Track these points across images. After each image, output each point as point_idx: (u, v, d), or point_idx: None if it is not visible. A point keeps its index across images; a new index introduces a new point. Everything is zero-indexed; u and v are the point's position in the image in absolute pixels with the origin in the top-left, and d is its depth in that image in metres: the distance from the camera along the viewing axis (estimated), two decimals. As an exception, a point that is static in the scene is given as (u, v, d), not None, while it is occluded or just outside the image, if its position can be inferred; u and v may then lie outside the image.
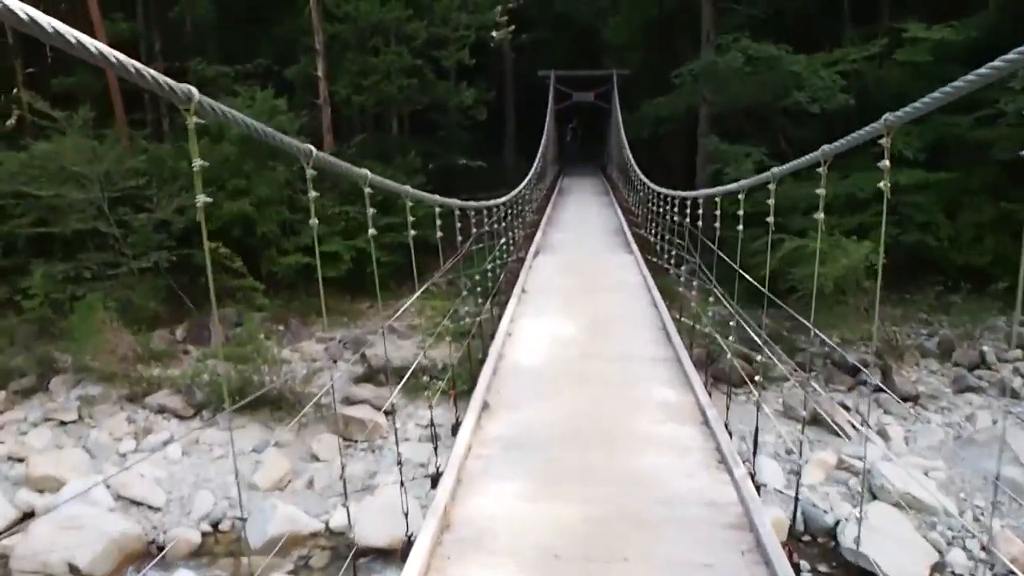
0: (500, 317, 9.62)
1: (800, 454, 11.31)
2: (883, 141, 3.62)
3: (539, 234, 17.43)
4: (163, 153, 20.63)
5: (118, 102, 22.26)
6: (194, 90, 2.64)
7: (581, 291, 11.34)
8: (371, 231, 4.86)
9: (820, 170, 4.56)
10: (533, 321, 9.61)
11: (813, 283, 7.20)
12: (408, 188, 6.05)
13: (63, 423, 14.35)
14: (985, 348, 15.06)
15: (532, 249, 15.17)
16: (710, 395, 7.11)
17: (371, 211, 4.76)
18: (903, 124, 3.51)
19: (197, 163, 2.68)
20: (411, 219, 6.07)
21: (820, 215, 4.71)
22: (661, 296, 10.80)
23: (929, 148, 18.09)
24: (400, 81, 23.05)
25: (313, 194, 3.78)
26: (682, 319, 9.59)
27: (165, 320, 18.81)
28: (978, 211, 18.10)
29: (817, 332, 5.40)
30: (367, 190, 4.68)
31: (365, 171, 4.67)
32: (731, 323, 8.71)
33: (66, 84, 23.69)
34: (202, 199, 2.67)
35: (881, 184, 3.74)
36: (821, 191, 4.57)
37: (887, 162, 3.70)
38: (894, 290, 16.94)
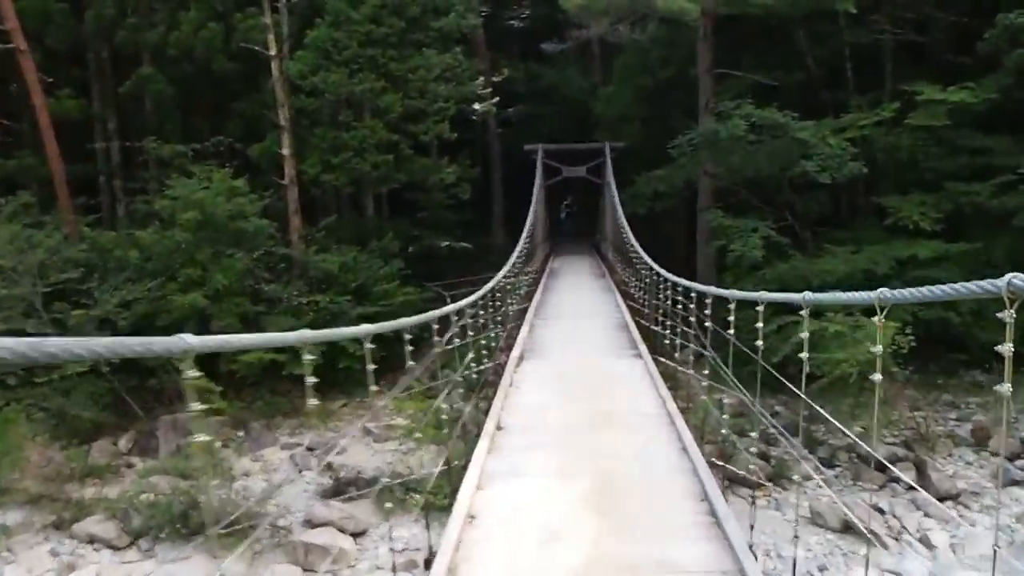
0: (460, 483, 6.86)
1: None
2: (876, 319, 3.51)
3: (524, 329, 15.05)
4: (107, 241, 19.90)
5: (61, 184, 21.54)
6: (185, 337, 2.77)
7: (579, 427, 8.37)
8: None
9: (802, 313, 4.78)
10: (507, 488, 6.72)
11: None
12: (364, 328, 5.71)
13: (-25, 557, 13.18)
14: (1026, 435, 14.25)
15: (515, 353, 12.60)
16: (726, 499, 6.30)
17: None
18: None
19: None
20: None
21: (804, 355, 4.84)
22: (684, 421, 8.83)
23: (947, 218, 17.58)
24: (374, 158, 22.44)
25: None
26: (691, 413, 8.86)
27: (108, 428, 17.72)
28: (1002, 284, 17.42)
29: (847, 432, 4.67)
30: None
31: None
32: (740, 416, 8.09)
33: (7, 168, 23.12)
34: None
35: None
36: (804, 334, 4.78)
37: (879, 347, 3.71)
38: (915, 371, 16.14)
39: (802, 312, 4.94)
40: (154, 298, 18.69)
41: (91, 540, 13.38)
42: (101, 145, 25.41)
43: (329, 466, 14.95)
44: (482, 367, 10.02)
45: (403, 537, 12.38)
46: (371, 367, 5.45)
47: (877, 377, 3.89)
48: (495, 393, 10.01)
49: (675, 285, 11.17)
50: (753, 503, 6.39)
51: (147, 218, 20.90)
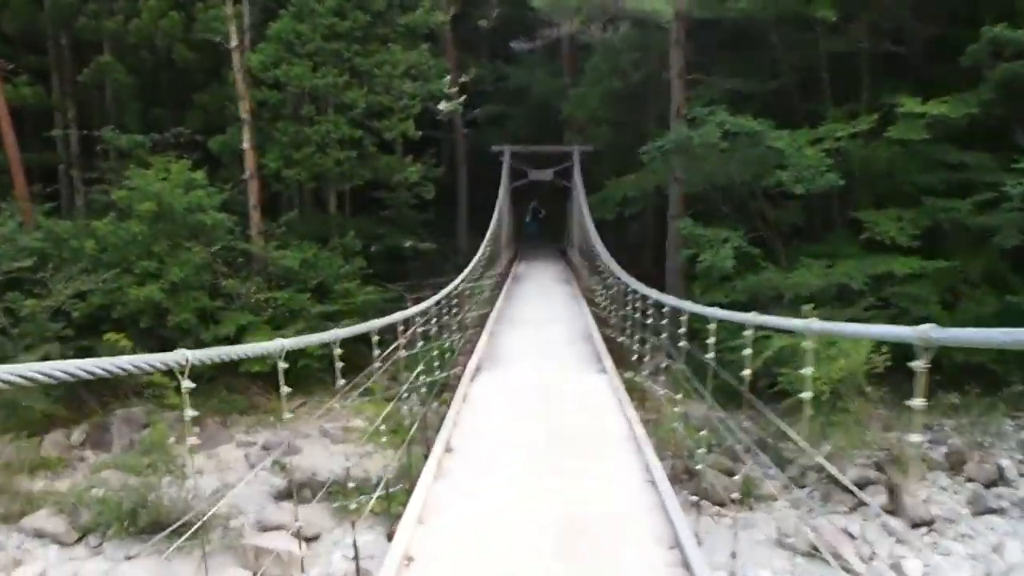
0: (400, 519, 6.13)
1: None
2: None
3: (484, 338, 14.20)
4: (62, 231, 19.34)
5: (17, 172, 20.95)
6: (186, 353, 3.09)
7: (538, 453, 7.53)
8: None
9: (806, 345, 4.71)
10: (453, 524, 6.03)
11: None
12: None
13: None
14: (1004, 462, 14.10)
15: (472, 363, 11.85)
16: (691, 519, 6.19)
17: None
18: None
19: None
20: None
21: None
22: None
23: (924, 234, 17.44)
24: (337, 153, 22.07)
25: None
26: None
27: (61, 421, 17.20)
28: (979, 303, 17.36)
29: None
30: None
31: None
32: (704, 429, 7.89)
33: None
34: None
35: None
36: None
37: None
38: (888, 390, 15.84)
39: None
40: (109, 290, 18.20)
41: (39, 535, 13.01)
42: (60, 133, 24.74)
43: (282, 467, 14.52)
44: (435, 378, 9.67)
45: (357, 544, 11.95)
46: (339, 364, 5.89)
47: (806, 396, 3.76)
48: (448, 406, 9.47)
49: (644, 297, 10.80)
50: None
51: (106, 209, 20.38)
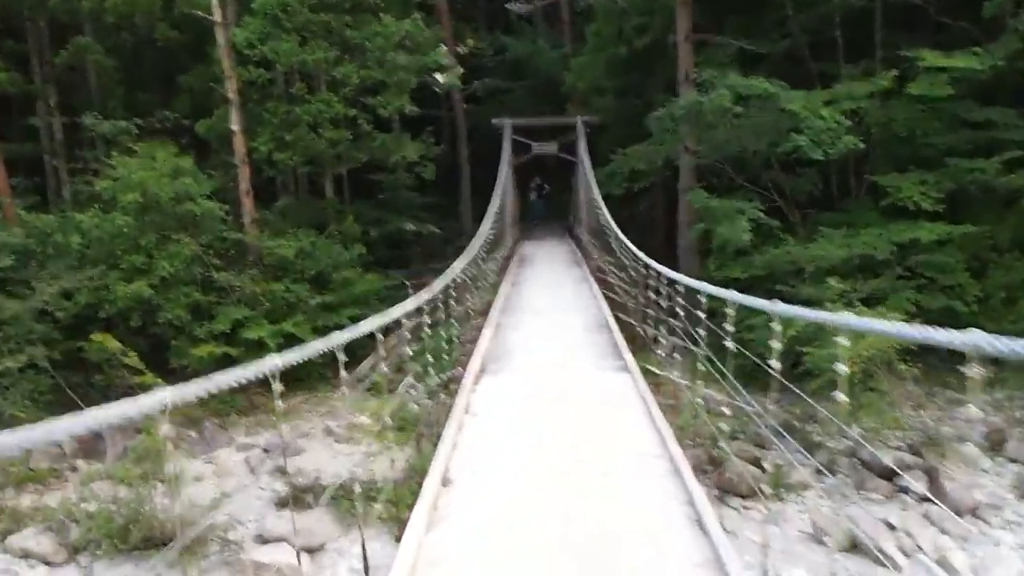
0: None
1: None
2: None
3: (488, 331, 13.11)
4: (45, 225, 18.70)
5: (-2, 164, 20.35)
6: (164, 395, 3.00)
7: (553, 484, 6.44)
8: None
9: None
10: None
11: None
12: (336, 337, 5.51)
13: (-101, 575, 12.11)
14: (1049, 440, 13.48)
15: (475, 364, 10.73)
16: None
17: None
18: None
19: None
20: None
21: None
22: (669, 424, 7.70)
23: (948, 197, 16.74)
24: (330, 134, 21.39)
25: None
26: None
27: (50, 429, 16.59)
28: (1008, 270, 16.71)
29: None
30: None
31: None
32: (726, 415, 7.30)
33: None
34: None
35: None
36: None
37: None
38: (922, 367, 15.12)
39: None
40: (96, 287, 17.60)
41: (25, 555, 12.29)
42: (44, 122, 24.13)
43: (284, 471, 13.97)
44: (439, 378, 9.02)
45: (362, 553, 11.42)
46: (344, 359, 5.57)
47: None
48: (446, 421, 8.35)
49: (672, 282, 9.70)
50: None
51: (92, 200, 19.73)
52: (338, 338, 5.74)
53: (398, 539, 5.87)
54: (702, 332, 7.71)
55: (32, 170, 24.26)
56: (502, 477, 6.69)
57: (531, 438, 7.65)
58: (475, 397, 9.30)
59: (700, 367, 7.79)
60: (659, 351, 10.69)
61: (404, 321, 7.96)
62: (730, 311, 6.35)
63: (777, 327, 5.29)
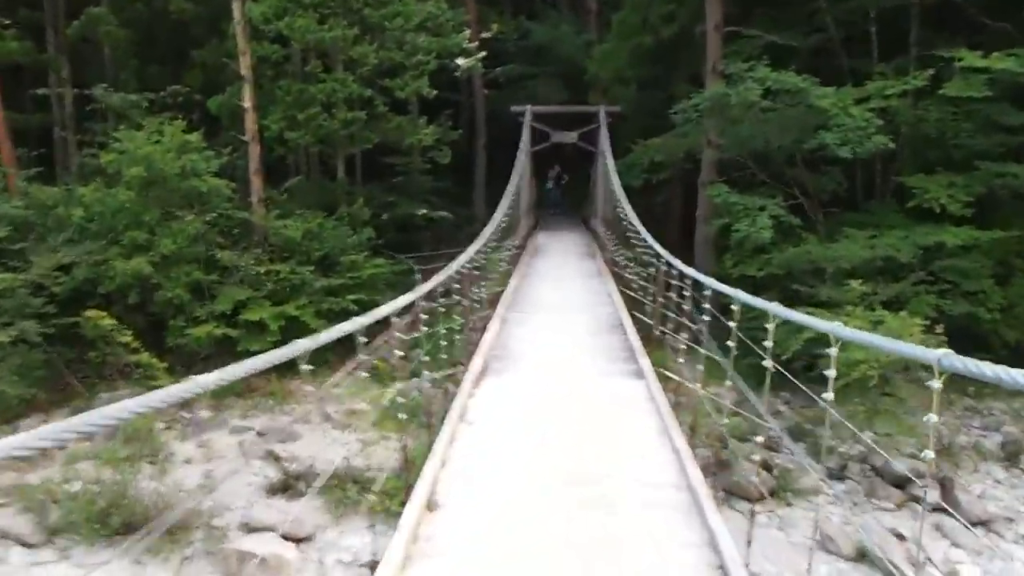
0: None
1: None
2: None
3: (495, 325, 12.78)
4: (47, 197, 18.56)
5: (3, 135, 20.23)
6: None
7: (556, 515, 5.91)
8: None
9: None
10: None
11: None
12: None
13: None
14: (1067, 452, 13.20)
15: (476, 364, 10.27)
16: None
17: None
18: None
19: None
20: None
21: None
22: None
23: (977, 202, 16.45)
24: (344, 114, 21.15)
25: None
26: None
27: (40, 405, 16.47)
28: (1034, 277, 16.48)
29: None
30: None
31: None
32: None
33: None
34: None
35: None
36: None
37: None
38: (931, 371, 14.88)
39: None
40: (95, 263, 17.44)
41: (1, 535, 11.98)
42: (55, 92, 24.07)
43: (277, 458, 13.81)
44: (441, 372, 8.77)
45: (353, 546, 11.31)
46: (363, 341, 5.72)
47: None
48: (439, 427, 7.73)
49: (696, 283, 9.17)
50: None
51: (98, 174, 19.60)
52: (360, 321, 5.80)
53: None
54: (706, 330, 7.54)
55: (42, 142, 24.24)
56: (496, 504, 6.11)
57: (532, 456, 7.11)
58: (473, 403, 8.83)
59: (714, 367, 7.63)
60: (674, 351, 10.42)
61: (406, 312, 7.70)
62: (735, 308, 6.42)
63: (770, 326, 5.60)
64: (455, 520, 5.79)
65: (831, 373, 4.75)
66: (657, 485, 6.50)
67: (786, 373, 6.30)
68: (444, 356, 9.80)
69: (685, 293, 9.58)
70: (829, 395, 4.83)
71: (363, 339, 5.81)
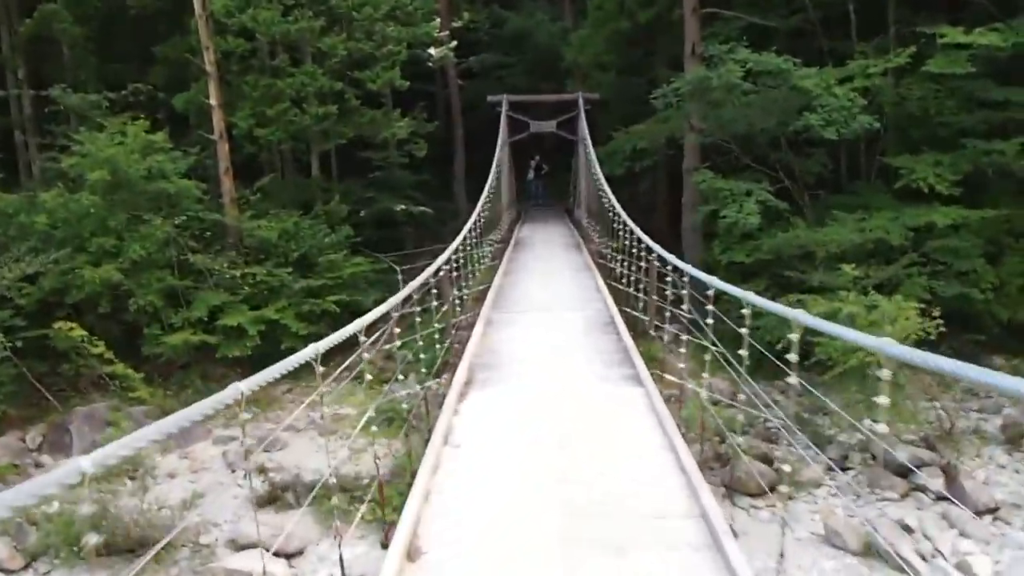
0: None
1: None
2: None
3: (477, 331, 12.02)
4: (7, 205, 18.09)
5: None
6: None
7: (551, 556, 5.37)
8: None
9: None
10: None
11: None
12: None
13: None
14: (1070, 433, 13.06)
15: (460, 375, 9.55)
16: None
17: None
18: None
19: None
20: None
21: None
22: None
23: (965, 180, 16.34)
24: (315, 109, 20.84)
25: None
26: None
27: (13, 421, 16.09)
28: (1025, 256, 16.41)
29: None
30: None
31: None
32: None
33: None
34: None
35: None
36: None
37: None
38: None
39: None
40: (62, 271, 17.00)
41: None
42: (14, 93, 23.55)
43: (262, 470, 13.48)
44: (426, 382, 8.42)
45: (345, 559, 10.98)
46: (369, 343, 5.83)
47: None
48: (422, 454, 7.09)
49: (678, 271, 8.85)
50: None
51: (60, 178, 19.16)
52: (362, 321, 5.84)
53: (384, 545, 5.35)
54: (709, 321, 7.26)
55: (3, 147, 23.76)
56: (487, 552, 5.45)
57: (526, 487, 6.43)
58: (458, 421, 8.16)
59: (707, 358, 7.35)
60: (664, 339, 10.09)
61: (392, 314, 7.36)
62: (746, 311, 6.12)
63: (746, 311, 5.93)
64: (440, 574, 5.24)
65: (793, 357, 5.00)
66: (664, 519, 5.86)
67: (781, 364, 5.83)
68: (424, 370, 9.46)
69: (680, 289, 9.15)
70: (793, 379, 5.12)
71: (366, 339, 5.88)
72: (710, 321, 7.40)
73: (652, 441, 7.41)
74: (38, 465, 15.08)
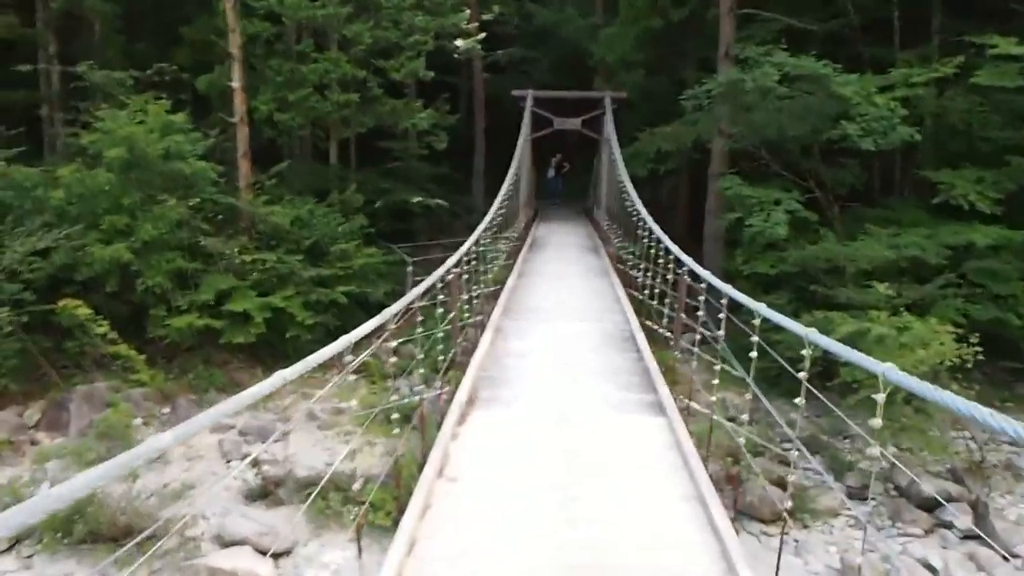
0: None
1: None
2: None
3: (487, 338, 11.22)
4: (25, 178, 17.61)
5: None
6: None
7: None
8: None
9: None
10: None
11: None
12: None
13: None
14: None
15: (462, 393, 8.68)
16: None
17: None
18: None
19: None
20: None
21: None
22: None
23: (1008, 199, 15.62)
24: (337, 96, 20.41)
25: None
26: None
27: (13, 396, 15.65)
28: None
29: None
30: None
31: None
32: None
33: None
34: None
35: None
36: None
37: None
38: (981, 387, 13.57)
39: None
40: (73, 247, 16.51)
41: None
42: (41, 70, 23.14)
43: (255, 463, 12.96)
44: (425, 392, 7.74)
45: (333, 561, 10.55)
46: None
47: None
48: (413, 490, 6.16)
49: (710, 287, 8.05)
50: None
51: (80, 154, 18.71)
52: (389, 311, 6.07)
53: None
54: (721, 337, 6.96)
55: (31, 120, 23.36)
56: None
57: (531, 539, 5.49)
58: (455, 448, 7.22)
59: (721, 374, 6.86)
60: (693, 365, 9.23)
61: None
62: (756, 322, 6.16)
63: (756, 322, 6.00)
64: None
65: (803, 375, 5.00)
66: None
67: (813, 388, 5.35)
68: (424, 370, 8.87)
69: (700, 298, 8.44)
70: (800, 400, 5.07)
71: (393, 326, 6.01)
72: (722, 336, 6.91)
73: (677, 488, 6.37)
74: (33, 443, 14.70)
